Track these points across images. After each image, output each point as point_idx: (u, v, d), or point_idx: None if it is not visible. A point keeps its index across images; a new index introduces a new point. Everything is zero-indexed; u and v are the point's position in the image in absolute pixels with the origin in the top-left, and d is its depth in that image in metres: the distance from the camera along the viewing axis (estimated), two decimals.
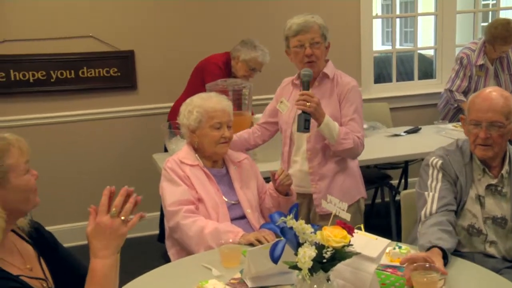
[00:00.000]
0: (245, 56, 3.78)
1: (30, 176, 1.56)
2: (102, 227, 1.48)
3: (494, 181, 2.25)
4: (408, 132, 4.10)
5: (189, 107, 2.53)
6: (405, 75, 6.18)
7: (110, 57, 4.20)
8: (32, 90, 4.08)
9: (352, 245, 1.58)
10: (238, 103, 3.48)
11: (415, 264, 1.80)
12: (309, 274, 1.52)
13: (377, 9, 11.94)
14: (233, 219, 2.43)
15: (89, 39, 4.14)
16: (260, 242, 2.18)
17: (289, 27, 2.67)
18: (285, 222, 1.58)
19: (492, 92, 2.24)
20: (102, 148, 4.28)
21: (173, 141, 3.56)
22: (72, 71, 4.15)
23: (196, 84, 3.85)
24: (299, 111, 2.53)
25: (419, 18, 5.40)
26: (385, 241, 1.78)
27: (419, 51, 5.50)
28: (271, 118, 2.93)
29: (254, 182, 2.61)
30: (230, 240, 2.19)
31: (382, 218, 4.35)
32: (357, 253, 1.61)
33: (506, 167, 2.25)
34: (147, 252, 4.05)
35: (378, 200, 4.55)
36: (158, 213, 3.97)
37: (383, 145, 3.84)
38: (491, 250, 2.24)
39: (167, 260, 3.92)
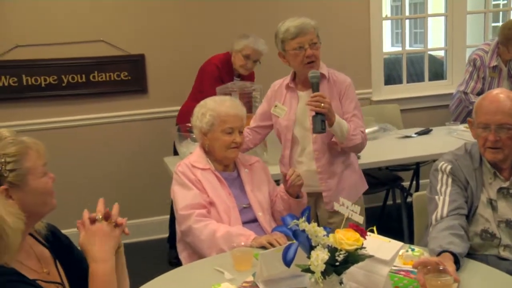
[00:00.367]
0: (237, 46, 3.82)
1: (48, 179, 1.58)
2: (93, 231, 1.53)
3: (505, 184, 2.22)
4: (419, 133, 4.08)
5: (202, 110, 2.54)
6: (415, 76, 6.15)
7: (121, 61, 4.23)
8: (44, 95, 4.12)
9: (365, 247, 1.57)
10: (248, 106, 3.48)
11: (428, 267, 1.79)
12: (322, 277, 1.51)
13: (386, 10, 11.91)
14: (244, 222, 2.43)
15: (100, 44, 4.17)
16: (272, 245, 2.18)
17: (285, 30, 2.68)
18: (297, 225, 1.57)
19: (499, 94, 2.21)
20: (113, 151, 4.30)
21: (184, 144, 3.56)
22: (83, 76, 4.18)
23: (197, 86, 3.88)
24: (313, 113, 2.55)
25: (429, 19, 5.37)
26: (398, 243, 1.77)
27: (429, 52, 5.47)
28: (262, 121, 2.93)
29: (266, 185, 2.61)
30: (242, 243, 2.19)
31: (394, 221, 4.33)
32: (370, 256, 1.60)
33: None
34: (157, 255, 4.07)
35: (389, 202, 4.53)
36: (168, 216, 3.97)
37: (394, 147, 3.82)
38: (505, 254, 2.21)
39: (173, 265, 3.97)
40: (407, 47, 5.88)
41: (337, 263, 1.52)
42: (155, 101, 4.33)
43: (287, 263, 1.55)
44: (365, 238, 1.57)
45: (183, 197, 2.41)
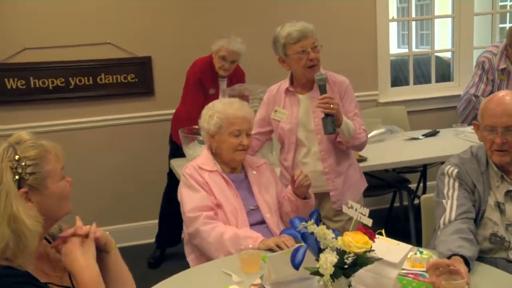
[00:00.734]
0: (214, 47, 3.79)
1: (65, 182, 1.59)
2: (69, 250, 1.54)
3: None
4: (426, 135, 4.06)
5: (210, 112, 2.54)
6: (422, 78, 6.14)
7: (128, 63, 4.23)
8: (51, 97, 4.13)
9: (373, 250, 1.57)
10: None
11: (440, 269, 1.78)
12: (331, 280, 1.51)
13: (393, 12, 11.88)
14: (252, 224, 2.42)
15: (107, 46, 4.18)
16: (279, 247, 2.18)
17: (287, 34, 2.69)
18: (306, 228, 1.57)
19: (505, 96, 2.20)
20: (120, 153, 4.31)
21: (191, 146, 3.57)
22: (91, 78, 4.19)
23: (183, 90, 3.91)
24: (322, 115, 2.58)
25: (436, 20, 5.36)
26: (407, 246, 1.77)
27: (436, 54, 5.45)
28: (262, 128, 2.94)
29: (273, 186, 2.61)
30: (250, 246, 2.18)
31: (401, 223, 4.32)
32: (378, 259, 1.60)
33: None
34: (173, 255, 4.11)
35: (396, 204, 4.52)
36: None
37: (401, 149, 3.81)
38: None
39: (152, 266, 3.96)
40: (414, 49, 5.86)
41: (346, 266, 1.52)
42: (162, 103, 4.33)
43: (296, 266, 1.55)
44: (373, 241, 1.57)
45: (190, 199, 2.41)
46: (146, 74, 4.28)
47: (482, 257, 2.17)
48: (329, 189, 2.82)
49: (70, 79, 4.14)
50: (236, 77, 3.94)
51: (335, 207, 2.83)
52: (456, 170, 2.25)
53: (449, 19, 5.26)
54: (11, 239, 1.39)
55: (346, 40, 4.62)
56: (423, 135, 4.06)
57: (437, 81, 5.23)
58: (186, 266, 2.41)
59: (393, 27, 11.38)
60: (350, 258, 1.51)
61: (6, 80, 4.02)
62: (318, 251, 1.55)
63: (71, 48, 4.11)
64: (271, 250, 2.17)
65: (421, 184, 4.45)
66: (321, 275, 1.51)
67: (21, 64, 4.03)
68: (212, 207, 2.40)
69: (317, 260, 1.53)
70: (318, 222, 1.58)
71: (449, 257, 1.94)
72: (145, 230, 4.29)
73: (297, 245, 1.62)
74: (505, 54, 4.28)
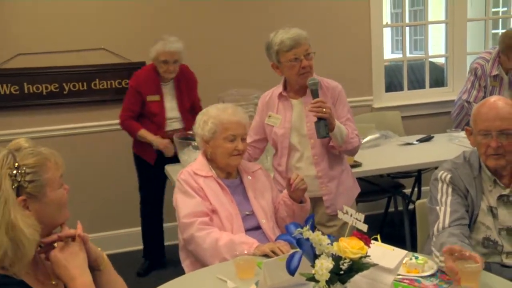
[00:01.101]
0: (152, 54, 3.75)
1: (63, 190, 1.57)
2: (57, 258, 1.52)
3: (506, 191, 2.21)
4: (420, 140, 4.08)
5: (204, 117, 2.54)
6: (416, 83, 6.16)
7: (122, 68, 4.23)
8: (45, 103, 4.13)
9: (369, 256, 1.56)
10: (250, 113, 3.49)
11: (455, 254, 1.81)
12: (327, 286, 1.50)
13: (387, 17, 11.94)
14: (248, 230, 2.42)
15: (101, 51, 4.18)
16: (275, 253, 2.17)
17: (280, 42, 2.70)
18: (301, 233, 1.57)
19: (497, 101, 2.21)
20: (114, 159, 4.30)
21: (185, 151, 3.56)
22: (85, 83, 4.19)
23: None
24: (315, 119, 2.59)
25: (429, 26, 5.38)
26: (402, 252, 1.76)
27: (429, 59, 5.48)
28: (258, 135, 2.95)
29: (269, 192, 2.60)
30: (245, 252, 2.18)
31: (395, 228, 4.32)
32: (374, 264, 1.60)
33: None
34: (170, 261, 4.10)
35: (391, 209, 4.52)
36: (176, 223, 3.95)
37: (396, 154, 3.82)
38: (508, 261, 2.20)
39: (141, 275, 3.95)
40: (408, 54, 5.88)
41: (342, 272, 1.52)
42: None
43: (291, 271, 1.54)
44: (369, 247, 1.57)
45: (185, 205, 2.41)
46: None
47: None
48: (322, 193, 2.83)
49: (64, 84, 4.14)
50: (184, 77, 3.90)
51: (329, 212, 2.84)
52: (449, 176, 2.26)
53: (443, 25, 5.29)
54: (9, 248, 1.38)
55: (340, 46, 4.64)
56: (417, 140, 4.07)
57: (431, 86, 5.25)
58: (181, 272, 2.40)
59: (387, 33, 11.42)
60: (345, 264, 1.51)
61: None
62: (314, 257, 1.55)
63: (65, 54, 4.11)
64: (266, 256, 2.17)
65: (416, 189, 4.46)
66: (317, 281, 1.51)
67: (15, 70, 4.03)
68: (207, 213, 2.39)
69: (313, 266, 1.52)
70: (313, 228, 1.57)
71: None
72: (138, 236, 4.28)
73: (292, 251, 1.61)
74: (497, 61, 4.31)
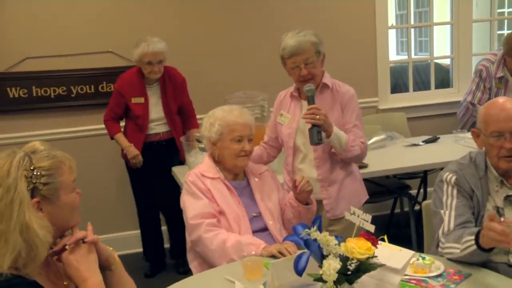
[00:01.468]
0: (135, 57, 3.72)
1: (76, 194, 1.58)
2: (69, 260, 1.53)
3: None
4: (426, 141, 4.07)
5: (211, 120, 2.54)
6: (421, 85, 6.14)
7: None
8: (53, 106, 4.15)
9: (376, 256, 1.57)
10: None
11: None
12: (334, 286, 1.51)
13: (392, 19, 11.91)
14: (255, 231, 2.42)
15: (108, 55, 4.20)
16: (282, 254, 2.17)
17: (283, 48, 2.69)
18: (308, 234, 1.57)
19: (505, 102, 2.21)
20: (124, 161, 4.30)
21: (192, 153, 3.57)
22: (92, 86, 4.21)
23: None
24: (309, 125, 2.58)
25: (434, 27, 5.37)
26: (410, 252, 1.76)
27: (435, 61, 5.46)
28: (274, 134, 2.96)
29: (275, 193, 2.61)
30: (253, 253, 2.18)
31: (402, 228, 4.32)
32: (381, 265, 1.60)
33: None
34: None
35: (397, 210, 4.52)
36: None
37: (402, 155, 3.82)
38: None
39: (149, 277, 3.93)
40: (413, 56, 5.88)
41: (349, 272, 1.52)
42: None
43: (299, 272, 1.55)
44: (376, 247, 1.57)
45: (193, 206, 2.41)
46: None
47: (483, 262, 2.17)
48: (322, 197, 2.79)
49: (72, 87, 4.17)
50: (170, 79, 3.85)
51: (329, 216, 2.80)
52: (454, 177, 2.25)
53: (448, 26, 5.28)
54: (23, 248, 1.40)
55: (346, 47, 4.64)
56: (423, 141, 4.06)
57: (436, 87, 5.23)
58: (189, 273, 2.41)
59: (392, 34, 11.39)
60: (353, 264, 1.51)
61: (8, 89, 4.04)
62: (321, 257, 1.55)
63: (73, 57, 4.13)
64: (273, 256, 2.17)
65: (422, 190, 4.45)
66: (324, 282, 1.51)
67: (23, 73, 4.05)
68: (215, 214, 2.40)
69: (320, 266, 1.53)
70: (321, 228, 1.58)
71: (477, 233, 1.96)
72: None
73: (299, 251, 1.61)
74: (502, 63, 4.29)
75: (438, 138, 4.14)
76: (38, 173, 1.46)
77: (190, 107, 3.97)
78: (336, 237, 1.57)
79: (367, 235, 1.58)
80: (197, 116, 3.97)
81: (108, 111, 3.84)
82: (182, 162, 3.84)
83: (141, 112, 3.76)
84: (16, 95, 4.06)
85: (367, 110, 4.68)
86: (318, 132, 2.56)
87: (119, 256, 1.70)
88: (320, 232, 1.56)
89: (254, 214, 2.48)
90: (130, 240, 4.31)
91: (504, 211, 2.20)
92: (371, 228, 1.65)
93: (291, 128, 2.81)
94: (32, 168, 1.46)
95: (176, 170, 3.69)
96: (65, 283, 1.57)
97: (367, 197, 2.95)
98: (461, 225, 2.15)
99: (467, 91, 4.51)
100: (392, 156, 3.79)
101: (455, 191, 2.23)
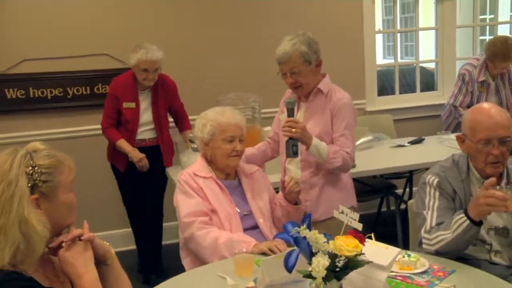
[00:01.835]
0: (132, 61, 3.61)
1: (73, 195, 1.58)
2: (65, 256, 1.53)
3: None
4: (412, 142, 4.08)
5: (203, 121, 2.54)
6: (407, 87, 6.17)
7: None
8: (50, 106, 4.13)
9: (364, 254, 1.56)
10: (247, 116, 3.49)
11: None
12: (323, 282, 1.50)
13: (379, 24, 11.94)
14: (246, 229, 2.41)
15: (103, 57, 4.18)
16: (272, 251, 2.17)
17: (276, 53, 2.64)
18: (298, 232, 1.57)
19: (491, 109, 2.19)
20: None
21: (185, 153, 3.56)
22: (88, 88, 4.19)
23: None
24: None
25: (420, 32, 5.40)
26: (396, 249, 1.77)
27: (420, 64, 5.49)
28: (278, 128, 2.91)
29: (266, 192, 2.60)
30: (244, 250, 2.18)
31: (388, 226, 4.33)
32: (368, 262, 1.60)
33: (505, 179, 2.22)
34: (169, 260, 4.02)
35: (383, 209, 4.53)
36: (176, 222, 3.93)
37: (388, 156, 3.83)
38: (496, 259, 2.21)
39: (140, 271, 3.90)
40: (399, 60, 5.90)
41: (337, 269, 1.51)
42: None
43: (289, 269, 1.54)
44: (363, 245, 1.57)
45: (186, 205, 2.40)
46: None
47: (467, 259, 2.18)
48: (304, 198, 2.72)
49: (68, 89, 4.14)
50: (162, 86, 3.78)
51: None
52: (436, 180, 2.24)
53: (433, 31, 5.31)
54: (22, 242, 1.40)
55: (334, 51, 4.63)
56: (409, 142, 4.07)
57: (421, 90, 5.27)
58: (181, 269, 2.39)
59: (379, 39, 11.41)
60: (341, 261, 1.51)
61: (6, 90, 4.01)
62: (311, 254, 1.55)
63: (69, 59, 4.11)
64: (264, 254, 2.16)
65: (407, 190, 4.46)
66: (314, 278, 1.51)
67: (21, 75, 4.03)
68: (207, 213, 2.39)
69: (310, 263, 1.52)
70: (310, 227, 1.57)
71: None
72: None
73: (289, 249, 1.61)
74: (484, 67, 4.33)
75: (423, 139, 4.16)
76: (39, 171, 1.47)
77: (183, 109, 3.93)
78: (325, 235, 1.57)
79: (354, 233, 1.57)
80: (190, 117, 3.95)
81: (105, 118, 3.72)
82: (163, 169, 3.80)
83: (131, 117, 3.67)
84: (14, 96, 4.04)
85: None
86: (294, 145, 2.51)
87: (115, 253, 1.69)
88: (309, 230, 1.55)
89: (245, 213, 2.47)
90: (126, 237, 4.29)
91: None
92: (359, 226, 1.65)
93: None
94: (33, 165, 1.47)
95: (169, 170, 3.68)
96: (61, 279, 1.56)
97: (353, 203, 2.85)
98: (441, 224, 2.15)
99: (450, 94, 4.54)
100: (379, 156, 3.80)
101: (437, 193, 2.23)
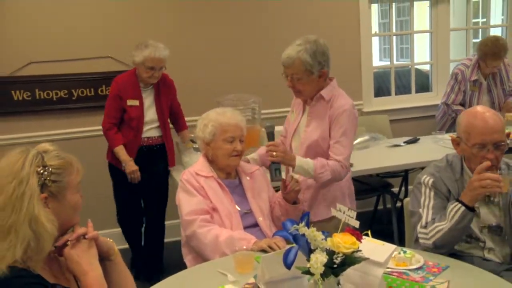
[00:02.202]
0: (138, 58, 3.51)
1: (80, 196, 1.59)
2: (70, 254, 1.54)
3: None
4: (407, 142, 4.08)
5: (204, 121, 2.54)
6: (402, 89, 6.16)
7: None
8: (55, 108, 4.12)
9: (361, 250, 1.56)
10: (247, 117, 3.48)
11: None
12: (321, 278, 1.50)
13: (375, 27, 11.94)
14: (246, 227, 2.41)
15: (107, 60, 4.18)
16: (271, 248, 2.17)
17: (282, 54, 2.59)
18: (297, 230, 1.57)
19: (485, 113, 2.16)
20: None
21: (187, 153, 3.56)
22: (92, 89, 4.19)
23: None
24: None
25: (415, 35, 5.40)
26: (392, 246, 1.76)
27: (415, 66, 5.49)
28: (290, 127, 2.90)
29: (266, 191, 2.60)
30: (244, 247, 2.18)
31: (384, 224, 4.33)
32: (365, 258, 1.59)
33: None
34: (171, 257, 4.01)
35: (380, 207, 4.52)
36: (178, 220, 3.92)
37: (384, 155, 3.83)
38: (490, 256, 2.21)
39: (134, 266, 3.87)
40: (395, 62, 5.90)
41: (335, 265, 1.51)
42: None
43: (288, 265, 1.54)
44: (361, 242, 1.57)
45: (187, 203, 2.40)
46: None
47: (461, 255, 2.19)
48: (301, 198, 2.67)
49: (73, 90, 4.14)
50: (164, 85, 3.72)
51: None
52: (431, 180, 2.24)
53: (427, 34, 5.31)
54: (32, 239, 1.41)
55: (332, 54, 4.59)
56: (404, 142, 4.07)
57: (416, 91, 5.26)
58: (183, 266, 2.39)
59: (375, 42, 11.42)
60: (339, 258, 1.51)
61: (13, 92, 4.01)
62: (309, 251, 1.55)
63: (74, 62, 4.11)
64: (263, 251, 2.17)
65: (403, 188, 4.46)
66: (312, 274, 1.51)
67: (27, 77, 4.03)
68: (208, 211, 2.39)
69: (308, 260, 1.52)
70: (308, 224, 1.57)
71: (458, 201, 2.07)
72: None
73: (288, 246, 1.61)
74: (477, 67, 4.34)
75: (418, 139, 4.15)
76: (49, 171, 1.49)
77: (180, 109, 3.88)
78: (323, 232, 1.57)
79: (352, 230, 1.57)
80: (190, 118, 3.91)
81: (107, 118, 3.61)
82: (167, 168, 3.74)
83: (135, 114, 3.59)
84: (21, 98, 4.03)
85: None
86: (277, 169, 2.47)
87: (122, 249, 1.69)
88: (308, 227, 1.55)
89: (245, 211, 2.47)
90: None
91: (479, 209, 2.21)
92: (356, 224, 1.65)
93: (290, 128, 2.78)
94: (44, 165, 1.48)
95: (173, 170, 3.68)
96: (66, 276, 1.56)
97: (352, 205, 2.79)
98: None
99: (443, 93, 4.54)
100: (375, 156, 3.80)
101: (432, 193, 2.23)
